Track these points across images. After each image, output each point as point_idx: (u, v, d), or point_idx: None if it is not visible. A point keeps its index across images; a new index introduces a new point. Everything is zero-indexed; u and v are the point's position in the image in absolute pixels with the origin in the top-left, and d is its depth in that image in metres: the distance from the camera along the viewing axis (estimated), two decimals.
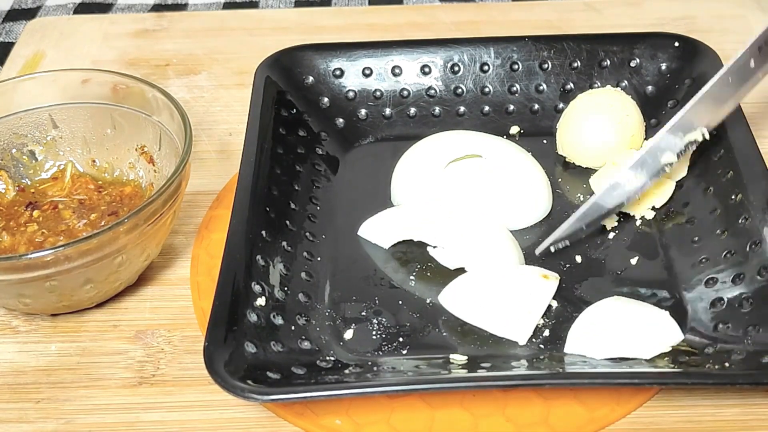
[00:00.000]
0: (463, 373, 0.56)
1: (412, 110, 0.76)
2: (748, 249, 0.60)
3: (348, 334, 0.60)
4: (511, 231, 0.66)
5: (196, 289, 0.65)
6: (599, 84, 0.75)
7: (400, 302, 0.62)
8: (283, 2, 0.99)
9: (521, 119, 0.75)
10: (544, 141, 0.74)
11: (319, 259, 0.65)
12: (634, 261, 0.64)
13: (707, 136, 0.65)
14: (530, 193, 0.67)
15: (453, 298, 0.61)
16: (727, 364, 0.55)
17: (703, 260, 0.62)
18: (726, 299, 0.59)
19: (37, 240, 0.63)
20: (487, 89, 0.76)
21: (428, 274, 0.64)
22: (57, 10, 0.98)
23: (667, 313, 0.59)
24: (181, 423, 0.57)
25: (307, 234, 0.66)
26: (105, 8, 0.98)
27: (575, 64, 0.75)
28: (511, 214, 0.67)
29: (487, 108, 0.76)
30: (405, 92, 0.76)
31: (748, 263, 0.59)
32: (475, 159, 0.68)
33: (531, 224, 0.67)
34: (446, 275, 0.63)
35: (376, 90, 0.76)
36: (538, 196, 0.68)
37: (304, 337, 0.59)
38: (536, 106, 0.76)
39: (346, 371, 0.57)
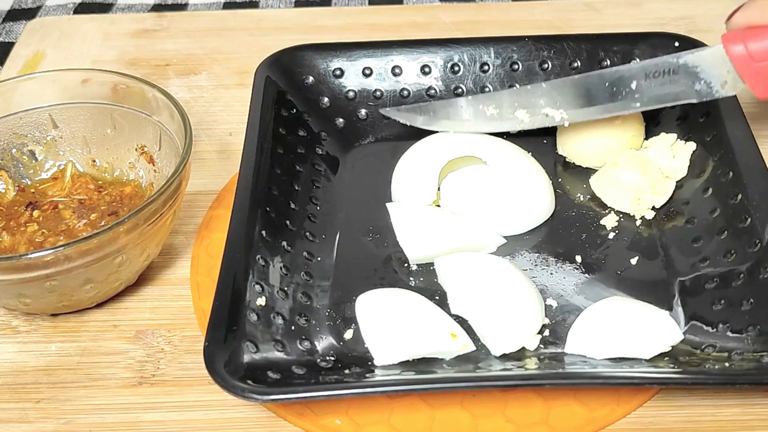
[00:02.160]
0: (463, 373, 0.56)
1: None
2: (748, 249, 0.60)
3: (348, 334, 0.60)
4: (514, 235, 0.66)
5: (196, 289, 0.65)
6: None
7: None
8: (283, 2, 0.99)
9: None
10: (544, 141, 0.74)
11: (319, 259, 0.65)
12: (634, 261, 0.64)
13: (566, 124, 0.68)
14: (532, 195, 0.67)
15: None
16: (727, 364, 0.55)
17: (703, 260, 0.62)
18: (726, 299, 0.59)
19: (37, 240, 0.63)
20: (487, 89, 0.75)
21: (428, 274, 0.64)
22: (57, 10, 0.98)
23: (667, 313, 0.59)
24: (181, 423, 0.57)
25: (307, 234, 0.66)
26: (105, 8, 0.98)
27: (575, 64, 0.75)
28: (514, 217, 0.66)
29: None
30: (405, 92, 0.76)
31: (748, 263, 0.59)
32: (475, 167, 0.68)
33: (534, 227, 0.67)
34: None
35: (376, 90, 0.76)
36: (541, 198, 0.67)
37: (304, 337, 0.59)
38: None
39: (346, 371, 0.57)
